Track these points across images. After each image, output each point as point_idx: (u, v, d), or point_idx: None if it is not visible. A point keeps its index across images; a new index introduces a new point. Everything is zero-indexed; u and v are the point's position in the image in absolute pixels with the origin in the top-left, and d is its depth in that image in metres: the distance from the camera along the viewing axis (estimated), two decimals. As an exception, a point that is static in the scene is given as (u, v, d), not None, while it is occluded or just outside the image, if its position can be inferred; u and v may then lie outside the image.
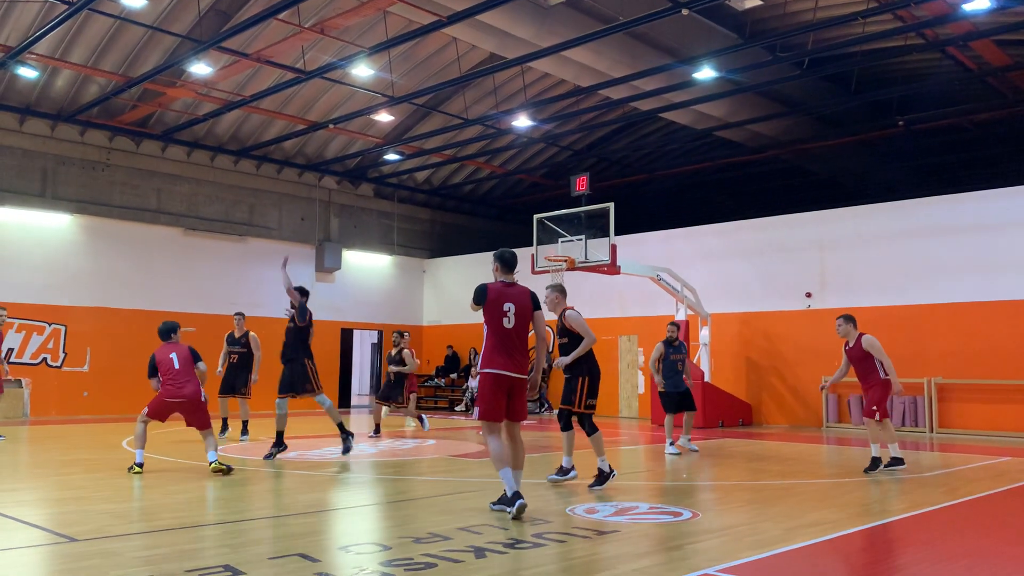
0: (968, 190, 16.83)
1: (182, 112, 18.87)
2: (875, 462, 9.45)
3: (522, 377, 6.68)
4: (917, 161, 23.05)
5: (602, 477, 8.17)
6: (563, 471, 8.61)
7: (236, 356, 13.30)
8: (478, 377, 6.62)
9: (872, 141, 22.07)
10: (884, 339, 16.50)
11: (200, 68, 15.50)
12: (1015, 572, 5.17)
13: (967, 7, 12.89)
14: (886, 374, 9.56)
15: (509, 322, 6.64)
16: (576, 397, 8.42)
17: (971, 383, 15.46)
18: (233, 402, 13.52)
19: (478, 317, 6.57)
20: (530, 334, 6.82)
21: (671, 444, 11.60)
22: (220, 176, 21.19)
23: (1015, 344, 14.83)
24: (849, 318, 9.90)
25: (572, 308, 8.69)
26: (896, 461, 9.59)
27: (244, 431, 12.99)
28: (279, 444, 10.37)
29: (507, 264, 6.85)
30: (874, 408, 9.54)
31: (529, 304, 6.76)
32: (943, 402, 15.89)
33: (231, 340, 13.43)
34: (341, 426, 10.60)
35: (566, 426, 8.64)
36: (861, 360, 9.67)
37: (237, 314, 13.69)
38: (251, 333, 13.49)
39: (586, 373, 8.48)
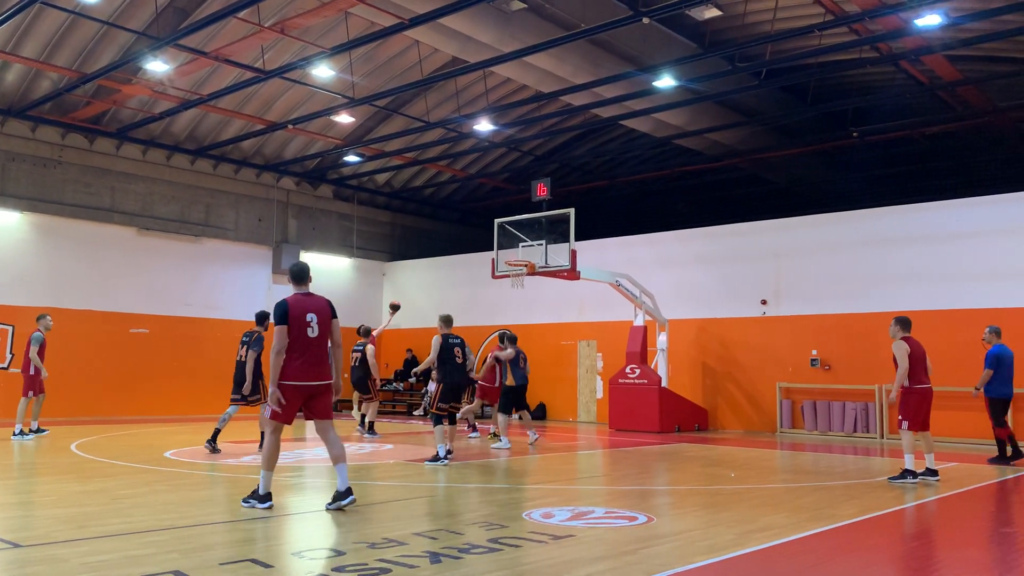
0: (919, 201, 17.22)
1: (137, 110, 18.54)
2: (904, 473, 9.25)
3: (325, 383, 7.06)
4: (871, 172, 23.53)
5: (435, 458, 10.45)
6: (436, 457, 10.54)
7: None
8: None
9: (827, 151, 22.48)
10: (836, 346, 16.94)
11: (157, 65, 15.24)
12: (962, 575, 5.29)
13: (919, 22, 13.19)
14: (921, 381, 9.34)
15: (313, 331, 7.03)
16: (432, 400, 10.90)
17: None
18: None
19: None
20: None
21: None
22: (176, 175, 20.85)
23: (964, 352, 15.18)
24: (899, 320, 9.61)
25: (441, 334, 10.84)
26: (930, 472, 9.39)
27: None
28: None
29: (299, 277, 7.35)
30: (900, 418, 9.38)
31: (328, 313, 7.22)
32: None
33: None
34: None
35: (437, 422, 10.74)
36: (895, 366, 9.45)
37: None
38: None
39: (441, 381, 10.79)
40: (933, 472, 9.42)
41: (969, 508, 8.25)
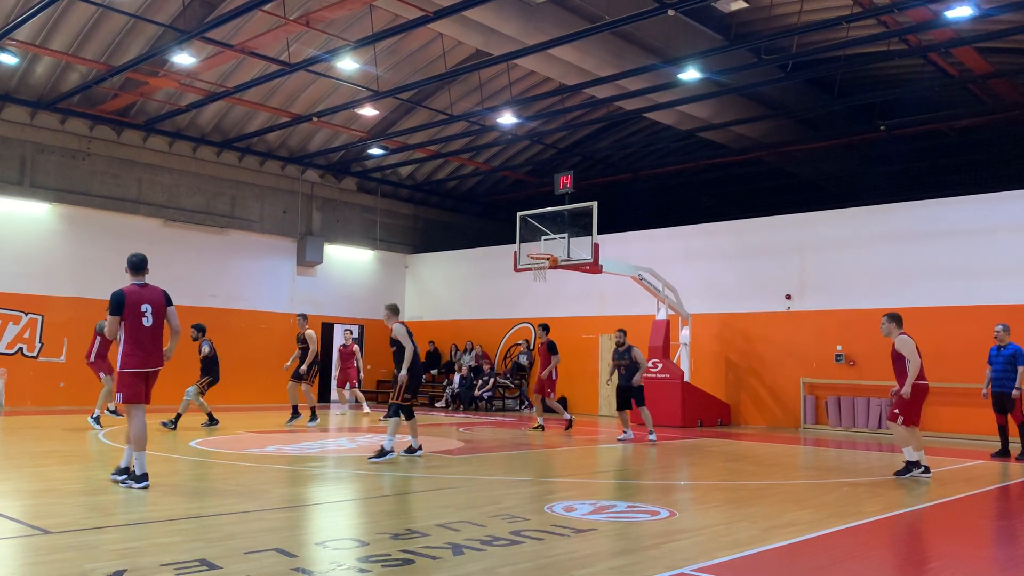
0: (948, 195, 16.99)
1: (164, 102, 18.71)
2: (908, 466, 9.30)
3: (157, 369, 7.59)
4: (898, 166, 23.25)
5: (380, 452, 9.73)
6: (383, 452, 9.92)
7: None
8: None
9: (854, 145, 22.24)
10: (861, 341, 16.77)
11: (183, 58, 15.37)
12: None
13: (949, 14, 13.00)
14: (922, 377, 9.34)
15: (148, 321, 7.45)
16: (396, 391, 10.13)
17: (947, 386, 15.61)
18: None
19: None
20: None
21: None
22: (202, 167, 21.03)
23: (985, 349, 14.97)
24: (892, 317, 9.60)
25: (400, 323, 10.35)
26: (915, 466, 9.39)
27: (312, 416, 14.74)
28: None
29: (136, 267, 7.69)
30: (896, 411, 9.33)
31: (163, 302, 7.61)
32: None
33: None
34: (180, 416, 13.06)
35: (394, 413, 10.29)
36: (895, 361, 9.44)
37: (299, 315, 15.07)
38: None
39: (409, 370, 10.10)
40: (924, 468, 9.44)
41: (994, 506, 8.16)
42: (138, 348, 7.43)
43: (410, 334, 10.34)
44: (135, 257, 7.74)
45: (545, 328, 15.34)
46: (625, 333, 14.06)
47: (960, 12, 12.83)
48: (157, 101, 18.66)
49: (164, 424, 13.11)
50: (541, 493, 7.95)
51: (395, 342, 10.25)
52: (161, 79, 16.96)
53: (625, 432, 13.67)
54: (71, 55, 16.29)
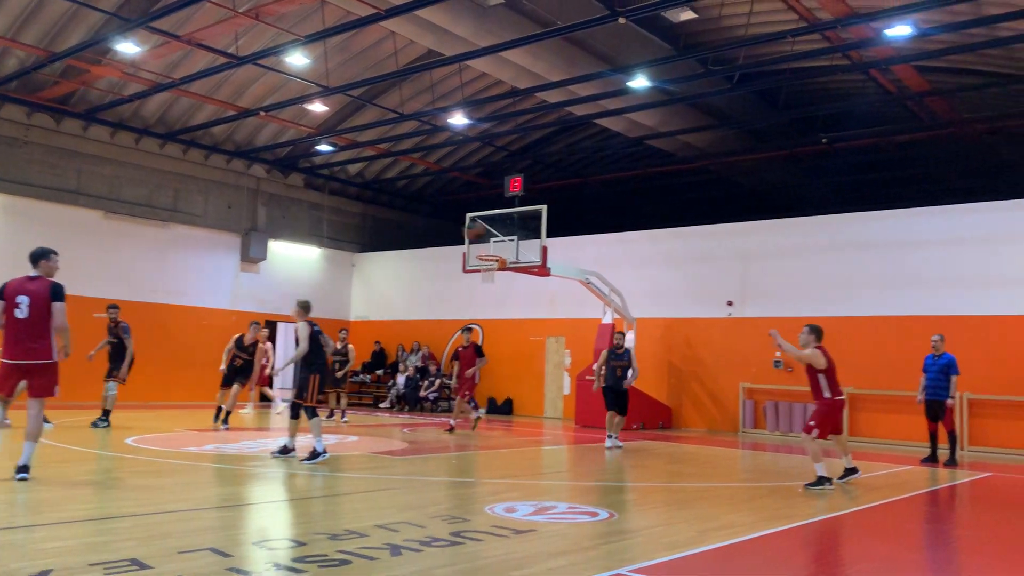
0: (887, 208, 17.48)
1: (107, 91, 18.25)
2: (820, 480, 8.90)
3: (39, 362, 7.44)
4: (841, 178, 23.82)
5: (314, 455, 9.46)
6: (285, 450, 9.86)
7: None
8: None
9: (798, 157, 22.73)
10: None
11: (128, 47, 15.02)
12: (910, 576, 5.41)
13: (890, 32, 13.39)
14: (838, 392, 9.16)
15: (21, 312, 7.41)
16: (308, 393, 9.72)
17: (881, 394, 16.07)
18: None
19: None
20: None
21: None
22: (144, 159, 20.55)
23: (920, 358, 15.46)
24: (813, 329, 9.34)
25: (308, 322, 9.82)
26: (849, 471, 9.49)
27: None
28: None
29: (31, 259, 7.73)
30: (811, 424, 9.11)
31: (47, 296, 7.51)
32: (853, 411, 16.47)
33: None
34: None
35: (296, 415, 9.92)
36: (810, 375, 9.23)
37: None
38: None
39: (317, 371, 9.81)
40: (853, 470, 9.54)
41: (922, 510, 8.43)
42: (12, 340, 7.43)
43: (318, 334, 9.84)
44: (35, 249, 7.80)
45: (468, 329, 15.24)
46: (624, 335, 13.59)
47: (900, 31, 13.22)
48: (99, 90, 18.20)
49: (95, 424, 12.80)
50: (483, 494, 7.97)
51: (299, 341, 9.83)
52: (104, 67, 16.55)
53: (610, 437, 12.80)
54: (9, 39, 15.79)
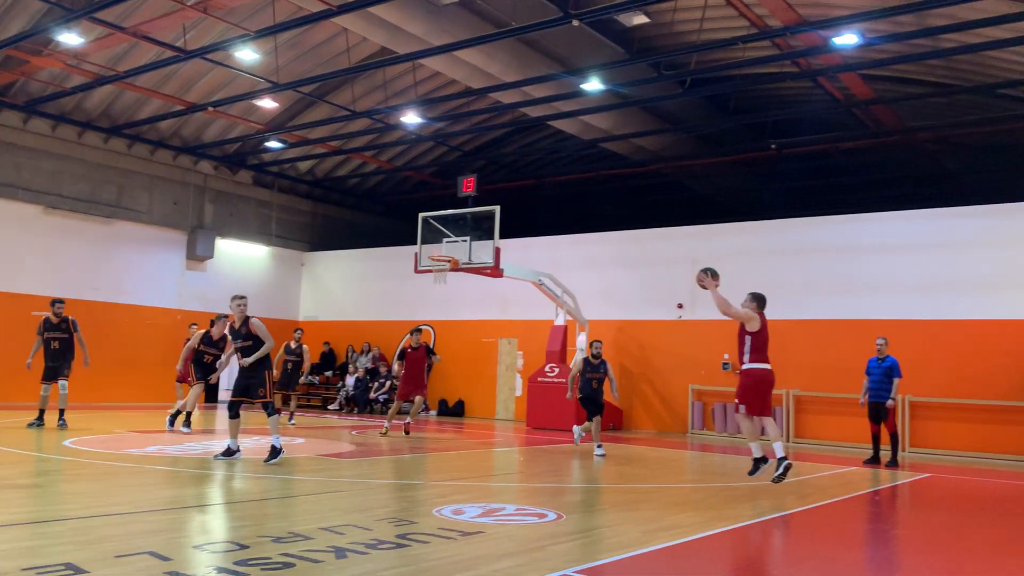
0: (834, 214, 17.82)
1: (48, 83, 17.73)
2: (756, 463, 8.76)
3: None
4: (791, 183, 24.22)
5: (274, 452, 9.35)
6: (229, 452, 9.69)
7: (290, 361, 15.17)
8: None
9: (748, 162, 23.07)
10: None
11: (70, 38, 14.60)
12: (855, 574, 5.49)
13: (837, 40, 13.66)
14: (763, 361, 8.58)
15: None
16: (267, 389, 9.68)
17: (825, 396, 16.37)
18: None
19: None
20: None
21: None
22: (87, 153, 20.02)
23: (865, 361, 15.79)
24: (756, 296, 8.86)
25: (254, 316, 9.86)
26: (758, 462, 8.84)
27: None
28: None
29: None
30: (736, 402, 8.68)
31: None
32: (799, 413, 16.77)
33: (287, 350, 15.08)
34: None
35: (236, 414, 9.76)
36: (739, 339, 8.71)
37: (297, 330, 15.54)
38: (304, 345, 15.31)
39: (269, 367, 9.80)
40: (763, 460, 8.82)
41: (864, 509, 8.58)
42: None
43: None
44: None
45: (419, 331, 14.92)
46: (601, 344, 13.12)
47: (847, 40, 13.50)
48: (40, 81, 17.68)
49: (59, 425, 12.50)
50: (431, 496, 7.91)
51: (251, 335, 9.64)
52: (45, 58, 16.08)
53: (599, 446, 12.40)
54: (-55, 27, 15.27)
